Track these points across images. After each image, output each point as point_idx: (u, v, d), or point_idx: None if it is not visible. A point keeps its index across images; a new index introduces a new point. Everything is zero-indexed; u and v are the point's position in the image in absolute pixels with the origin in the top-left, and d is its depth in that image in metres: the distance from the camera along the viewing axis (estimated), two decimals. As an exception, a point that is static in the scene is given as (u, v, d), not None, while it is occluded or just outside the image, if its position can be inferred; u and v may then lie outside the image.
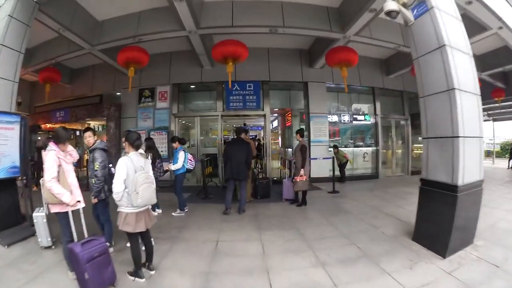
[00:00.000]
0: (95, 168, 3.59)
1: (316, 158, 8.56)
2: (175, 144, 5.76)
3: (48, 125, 11.24)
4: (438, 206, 3.68)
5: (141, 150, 4.77)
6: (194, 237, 4.35)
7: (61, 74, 8.45)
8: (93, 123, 13.19)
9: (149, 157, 5.65)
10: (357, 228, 4.68)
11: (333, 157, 8.08)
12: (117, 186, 2.86)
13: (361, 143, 10.81)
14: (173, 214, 5.60)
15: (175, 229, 4.73)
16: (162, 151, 8.88)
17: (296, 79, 9.38)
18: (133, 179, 2.84)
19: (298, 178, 5.94)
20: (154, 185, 3.01)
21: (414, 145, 11.49)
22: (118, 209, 2.99)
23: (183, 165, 5.57)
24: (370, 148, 10.59)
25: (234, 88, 8.98)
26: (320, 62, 8.89)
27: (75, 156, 3.36)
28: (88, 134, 3.84)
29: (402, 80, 10.79)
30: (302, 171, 5.95)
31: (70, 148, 3.29)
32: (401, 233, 4.31)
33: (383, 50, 9.38)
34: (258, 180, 7.04)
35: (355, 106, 10.71)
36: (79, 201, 3.12)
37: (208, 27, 6.43)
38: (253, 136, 23.04)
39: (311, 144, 9.20)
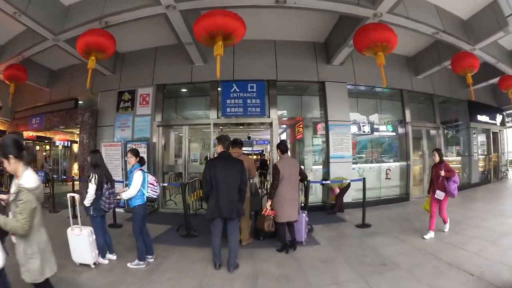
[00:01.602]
0: None
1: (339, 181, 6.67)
2: (132, 160, 3.81)
3: (31, 133, 10.31)
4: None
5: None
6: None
7: (28, 72, 7.02)
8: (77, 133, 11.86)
9: (94, 180, 3.86)
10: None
11: (363, 178, 6.00)
12: None
13: (383, 158, 9.08)
14: (129, 265, 3.71)
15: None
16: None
17: (310, 78, 7.49)
18: None
19: (264, 212, 4.22)
20: None
21: (448, 158, 9.58)
22: None
23: (141, 192, 3.66)
24: (397, 164, 8.62)
25: (232, 90, 7.17)
26: (339, 57, 7.10)
27: None
28: None
29: (431, 81, 9.08)
30: (268, 203, 4.20)
31: None
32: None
33: (411, 45, 7.87)
34: (260, 213, 4.82)
35: (379, 113, 9.01)
36: None
37: (190, -3, 4.69)
38: (260, 151, 21.05)
39: (330, 161, 7.21)
